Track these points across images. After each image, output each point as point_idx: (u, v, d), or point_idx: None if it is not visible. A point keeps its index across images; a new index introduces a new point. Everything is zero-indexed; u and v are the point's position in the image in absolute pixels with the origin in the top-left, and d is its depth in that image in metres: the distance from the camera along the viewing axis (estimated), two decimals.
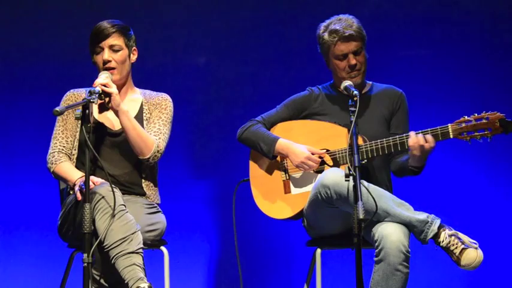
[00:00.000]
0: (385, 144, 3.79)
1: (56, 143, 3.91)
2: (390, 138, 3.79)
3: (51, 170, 3.87)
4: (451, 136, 3.69)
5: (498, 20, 5.12)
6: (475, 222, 4.97)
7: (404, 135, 3.78)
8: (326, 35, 3.96)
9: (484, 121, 3.64)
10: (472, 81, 5.09)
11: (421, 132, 3.72)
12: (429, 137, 3.70)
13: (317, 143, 3.94)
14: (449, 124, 3.70)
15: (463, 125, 3.67)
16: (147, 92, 4.06)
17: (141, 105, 4.00)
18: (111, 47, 3.87)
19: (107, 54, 3.86)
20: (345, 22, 3.95)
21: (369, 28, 4.05)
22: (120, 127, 3.87)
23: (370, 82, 4.11)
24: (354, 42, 3.94)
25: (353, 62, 3.94)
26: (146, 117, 3.97)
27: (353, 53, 3.94)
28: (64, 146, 3.91)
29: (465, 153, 5.03)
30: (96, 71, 3.91)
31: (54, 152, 3.89)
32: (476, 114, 3.66)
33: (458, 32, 5.13)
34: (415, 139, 3.71)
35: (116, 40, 3.88)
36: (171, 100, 4.03)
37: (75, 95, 3.95)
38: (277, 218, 4.00)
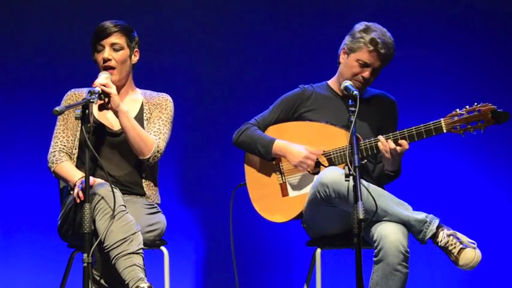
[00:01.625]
0: (373, 145, 3.80)
1: (56, 142, 3.92)
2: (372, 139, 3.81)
3: (52, 169, 3.87)
4: (445, 130, 3.69)
5: (496, 19, 5.14)
6: (474, 222, 4.98)
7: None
8: (367, 37, 3.90)
9: (476, 113, 3.65)
10: (468, 78, 5.10)
11: (391, 136, 3.74)
12: (391, 143, 3.72)
13: (311, 144, 3.92)
14: (441, 119, 3.70)
15: (456, 118, 3.67)
16: (148, 92, 4.06)
17: (142, 105, 4.00)
18: (112, 46, 3.87)
19: (107, 53, 3.85)
20: (387, 40, 3.90)
21: None
22: (120, 127, 3.87)
23: None
24: (381, 62, 3.91)
25: (367, 75, 3.91)
26: (147, 117, 3.97)
27: (373, 68, 3.93)
28: (65, 145, 3.91)
29: (464, 152, 5.04)
30: (96, 70, 3.91)
31: (55, 151, 3.89)
32: (468, 107, 3.67)
33: (454, 29, 5.14)
34: (384, 143, 3.74)
35: (117, 39, 3.87)
36: (171, 100, 4.03)
37: (76, 95, 3.95)
38: (276, 222, 4.00)
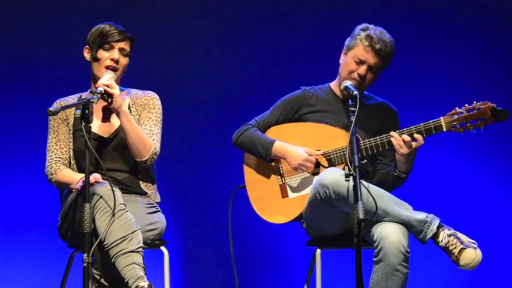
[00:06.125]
0: (378, 142, 3.78)
1: (51, 155, 3.92)
2: (383, 135, 3.78)
3: (53, 180, 3.88)
4: (444, 129, 3.68)
5: (496, 18, 5.14)
6: (475, 222, 4.98)
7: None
8: (363, 34, 3.91)
9: (475, 112, 3.64)
10: (468, 79, 5.10)
11: (406, 130, 3.71)
12: (405, 136, 3.69)
13: (310, 144, 3.92)
14: (441, 117, 3.69)
15: (455, 117, 3.67)
16: (133, 91, 4.05)
17: (128, 107, 3.98)
18: (121, 50, 3.90)
19: (116, 54, 3.88)
20: (383, 37, 3.90)
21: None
22: (111, 134, 3.89)
23: (367, 93, 4.08)
24: (377, 60, 3.90)
25: (363, 72, 3.89)
26: (135, 119, 3.96)
27: (369, 66, 3.92)
28: (60, 157, 3.91)
29: (465, 152, 5.04)
30: (88, 71, 3.92)
31: (51, 163, 3.90)
32: (467, 105, 3.66)
33: (453, 29, 5.14)
34: (398, 138, 3.71)
35: (126, 45, 3.91)
36: (158, 98, 4.02)
37: (62, 105, 3.95)
38: (276, 223, 3.99)
